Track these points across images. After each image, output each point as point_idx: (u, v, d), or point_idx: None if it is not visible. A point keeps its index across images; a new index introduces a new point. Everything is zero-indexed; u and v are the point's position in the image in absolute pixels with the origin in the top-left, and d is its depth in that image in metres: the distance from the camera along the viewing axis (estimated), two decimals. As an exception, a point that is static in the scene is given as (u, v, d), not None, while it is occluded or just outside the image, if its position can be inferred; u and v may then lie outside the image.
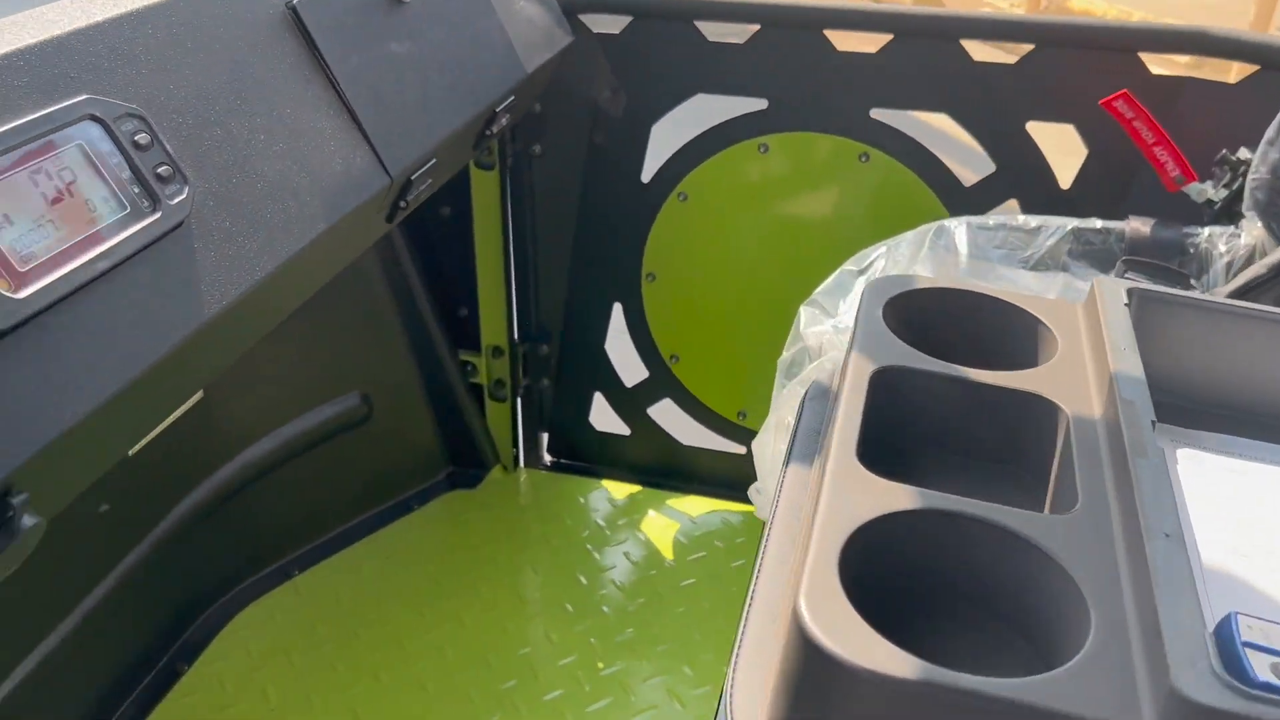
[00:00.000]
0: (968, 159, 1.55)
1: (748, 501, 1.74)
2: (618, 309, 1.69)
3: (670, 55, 1.48)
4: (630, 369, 1.74)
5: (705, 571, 1.60)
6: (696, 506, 1.74)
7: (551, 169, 1.60)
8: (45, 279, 0.64)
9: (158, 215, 0.73)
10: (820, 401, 0.77)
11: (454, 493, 1.77)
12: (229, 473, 1.44)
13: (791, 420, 1.18)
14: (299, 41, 0.93)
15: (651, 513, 1.74)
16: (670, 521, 1.72)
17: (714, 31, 1.48)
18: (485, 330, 1.71)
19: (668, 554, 1.65)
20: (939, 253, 1.28)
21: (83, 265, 0.66)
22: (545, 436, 1.84)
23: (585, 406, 1.79)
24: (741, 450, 1.72)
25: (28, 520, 0.61)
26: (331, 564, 1.60)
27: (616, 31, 1.50)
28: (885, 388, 0.67)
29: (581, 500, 1.77)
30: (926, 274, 1.23)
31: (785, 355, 1.27)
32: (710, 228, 1.58)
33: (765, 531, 0.65)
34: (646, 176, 1.58)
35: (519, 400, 1.79)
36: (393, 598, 1.54)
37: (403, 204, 1.06)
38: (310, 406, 1.56)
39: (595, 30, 1.51)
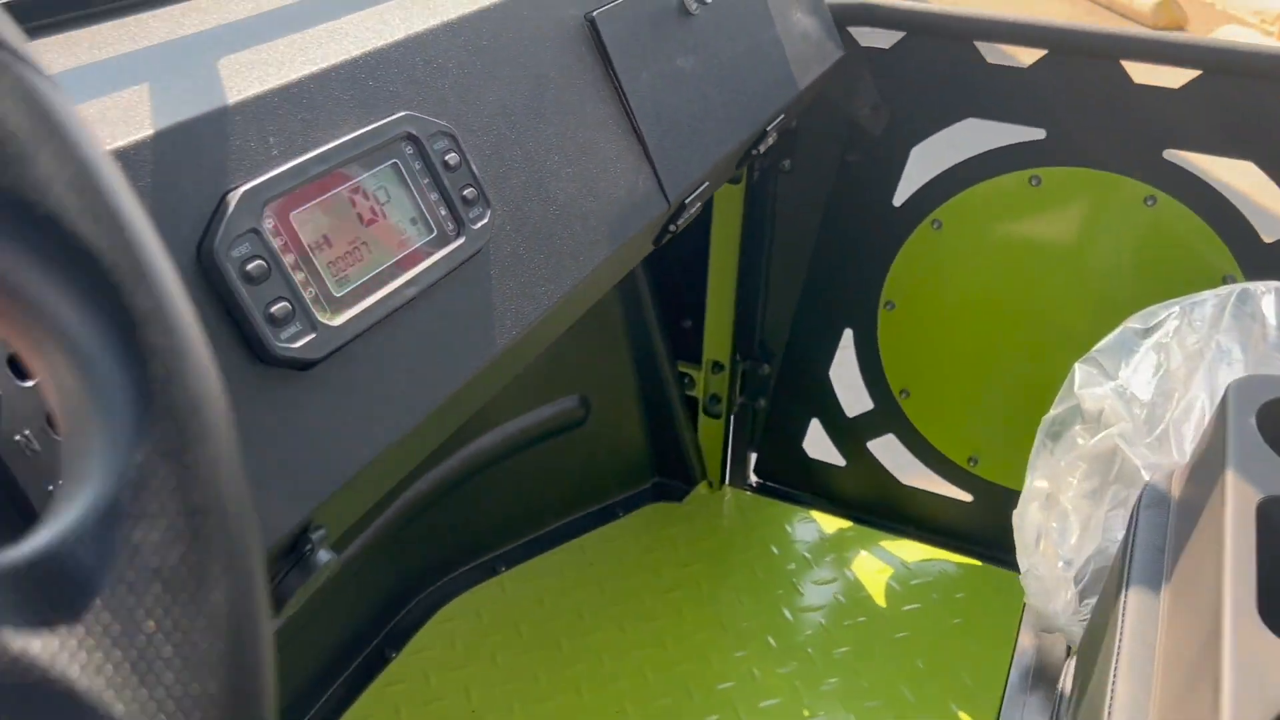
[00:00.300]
0: (1266, 213, 1.39)
1: (970, 553, 1.64)
2: (848, 335, 1.61)
3: (942, 75, 1.39)
4: (853, 398, 1.66)
5: (920, 625, 1.51)
6: (912, 552, 1.65)
7: (799, 185, 1.53)
8: (359, 305, 0.62)
9: (462, 240, 0.70)
10: (1159, 511, 0.67)
11: (659, 504, 1.73)
12: (454, 464, 1.45)
13: (1066, 498, 1.08)
14: (594, 56, 0.89)
15: (862, 552, 1.66)
16: (883, 565, 1.63)
17: (993, 53, 1.37)
18: (708, 344, 1.67)
19: (879, 599, 1.57)
20: (1244, 321, 1.14)
21: (393, 292, 0.64)
22: (754, 457, 1.78)
23: (800, 432, 1.71)
24: (968, 497, 1.61)
25: (323, 556, 0.59)
26: (536, 564, 1.59)
27: (886, 46, 1.42)
28: (1272, 523, 0.57)
29: (788, 528, 1.70)
30: (1232, 345, 1.10)
31: (1052, 413, 1.16)
32: (964, 260, 1.48)
33: (1112, 664, 0.57)
34: (899, 200, 1.49)
35: (732, 417, 1.74)
36: (595, 609, 1.51)
37: (672, 228, 1.01)
38: (534, 405, 1.55)
39: (863, 44, 1.42)
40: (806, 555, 1.65)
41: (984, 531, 1.59)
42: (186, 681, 0.22)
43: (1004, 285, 1.46)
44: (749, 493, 1.78)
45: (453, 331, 0.69)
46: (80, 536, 0.22)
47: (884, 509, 1.69)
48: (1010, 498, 1.16)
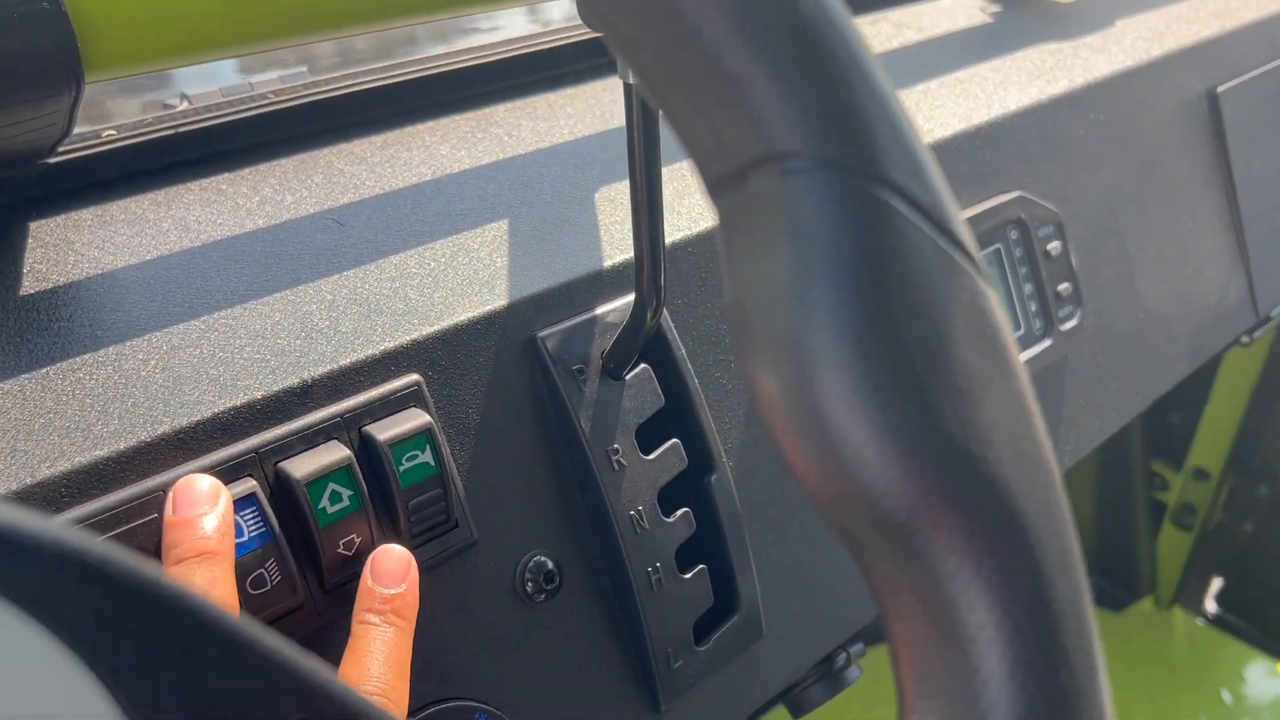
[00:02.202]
0: None
1: None
2: (1382, 475, 1.34)
3: None
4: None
5: None
6: None
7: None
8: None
9: (1048, 343, 0.62)
10: None
11: (1099, 610, 1.55)
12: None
13: None
14: (1210, 136, 0.77)
15: (1341, 731, 1.38)
16: (1367, 754, 1.35)
17: None
18: (1198, 447, 1.45)
19: (1356, 797, 1.30)
20: None
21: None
22: (1219, 583, 1.54)
23: (1289, 568, 1.46)
24: None
25: (854, 673, 0.55)
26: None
27: None
28: None
29: (1247, 675, 1.45)
30: None
31: None
32: None
33: None
34: None
35: (1204, 535, 1.51)
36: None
37: (1245, 339, 0.86)
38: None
39: None
40: (1266, 715, 1.40)
41: None
42: None
43: None
44: (1203, 622, 1.54)
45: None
46: None
47: (1380, 689, 1.40)
48: None
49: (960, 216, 0.20)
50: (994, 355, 0.19)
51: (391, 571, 0.36)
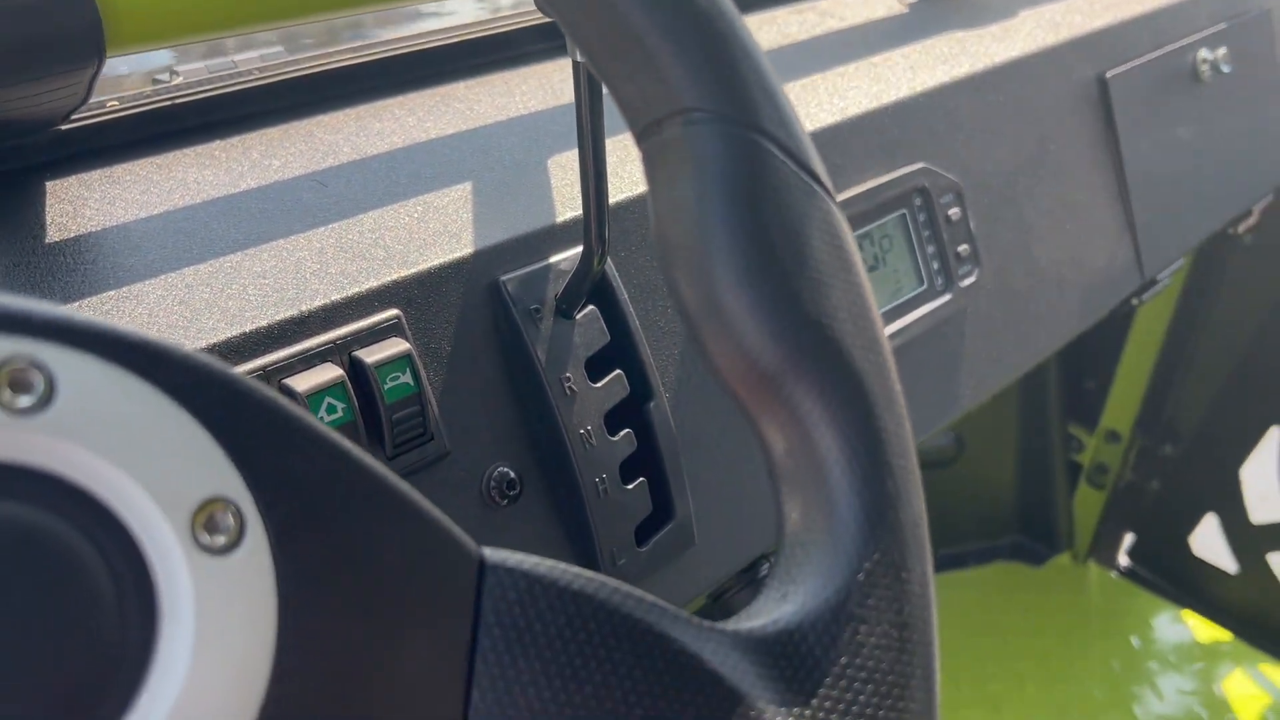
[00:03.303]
0: None
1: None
2: (1274, 434, 1.45)
3: None
4: (1262, 503, 1.49)
5: (1299, 772, 1.35)
6: (1299, 686, 1.47)
7: (1257, 262, 1.39)
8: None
9: (948, 297, 0.70)
10: None
11: (1013, 564, 1.66)
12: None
13: None
14: (1099, 117, 0.85)
15: (1238, 671, 1.50)
16: (1261, 691, 1.47)
17: None
18: (1110, 410, 1.56)
19: (1250, 729, 1.41)
20: None
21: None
22: (1129, 538, 1.65)
23: (1190, 524, 1.57)
24: (1386, 646, 1.41)
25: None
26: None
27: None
28: None
29: (1155, 623, 1.57)
30: None
31: None
32: None
33: None
34: (1376, 299, 1.32)
35: (1116, 493, 1.62)
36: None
37: (1135, 301, 0.95)
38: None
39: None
40: (1171, 658, 1.52)
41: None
42: None
43: None
44: (1116, 575, 1.66)
45: (919, 391, 0.69)
46: (814, 625, 0.25)
47: (1272, 630, 1.51)
48: None
49: (817, 156, 0.28)
50: (840, 256, 0.27)
51: None
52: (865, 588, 0.25)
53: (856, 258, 0.27)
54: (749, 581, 0.60)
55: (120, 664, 0.19)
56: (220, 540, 0.20)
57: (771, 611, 0.25)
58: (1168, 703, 1.44)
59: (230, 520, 0.20)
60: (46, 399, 0.19)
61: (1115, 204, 0.86)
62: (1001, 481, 1.64)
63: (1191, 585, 1.59)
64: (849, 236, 0.27)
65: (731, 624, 0.25)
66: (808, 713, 0.24)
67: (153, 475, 0.19)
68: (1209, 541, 1.56)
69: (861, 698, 0.25)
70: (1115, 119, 0.85)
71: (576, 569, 0.24)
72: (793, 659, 0.25)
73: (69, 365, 0.19)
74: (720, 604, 0.60)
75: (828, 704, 0.24)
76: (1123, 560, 1.67)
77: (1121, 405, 1.55)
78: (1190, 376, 1.50)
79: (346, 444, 0.22)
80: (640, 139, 0.27)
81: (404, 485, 0.22)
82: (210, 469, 0.20)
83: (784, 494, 0.27)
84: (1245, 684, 1.48)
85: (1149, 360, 1.50)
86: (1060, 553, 1.67)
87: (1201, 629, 1.56)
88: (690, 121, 0.25)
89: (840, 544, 0.25)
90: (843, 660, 0.25)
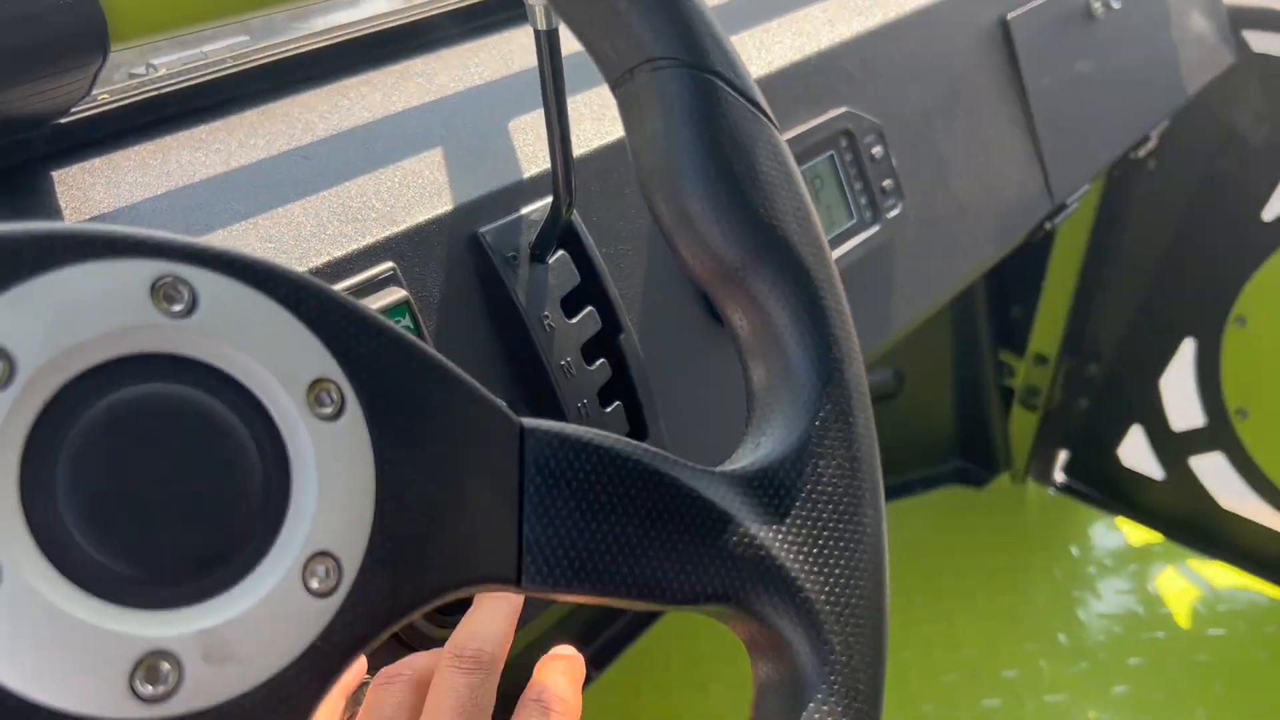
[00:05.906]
0: None
1: (1289, 589, 1.56)
2: (1188, 345, 1.56)
3: None
4: (1181, 411, 1.61)
5: (1223, 652, 1.46)
6: (1223, 577, 1.59)
7: (1161, 185, 1.49)
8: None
9: (876, 229, 0.77)
10: None
11: (957, 488, 1.75)
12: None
13: None
14: (1004, 57, 0.93)
15: (1168, 569, 1.61)
16: (1189, 584, 1.58)
17: None
18: (1036, 335, 1.66)
19: (1180, 619, 1.53)
20: None
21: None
22: (1064, 455, 1.76)
23: (1118, 437, 1.68)
24: (1294, 531, 1.53)
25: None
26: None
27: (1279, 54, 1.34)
28: None
29: (1091, 532, 1.68)
30: None
31: None
32: (1339, 287, 1.39)
33: None
34: (1270, 215, 1.42)
35: (1048, 413, 1.72)
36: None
37: (1049, 225, 1.04)
38: (851, 375, 1.61)
39: (1255, 49, 1.36)
40: (1108, 562, 1.63)
41: (1309, 570, 1.51)
42: (849, 576, 0.31)
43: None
44: (1053, 491, 1.76)
45: (856, 315, 0.76)
46: (783, 462, 0.31)
47: (1198, 529, 1.63)
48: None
49: (759, 91, 0.34)
50: (784, 171, 0.33)
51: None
52: (821, 431, 0.32)
53: (797, 173, 0.34)
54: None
55: (266, 504, 0.25)
56: (328, 410, 0.26)
57: (750, 455, 0.32)
58: (1107, 603, 1.55)
59: (334, 395, 0.26)
60: (190, 306, 0.24)
61: (1024, 136, 0.94)
62: (941, 411, 1.73)
63: (1123, 494, 1.70)
64: (790, 155, 0.33)
65: (720, 468, 0.32)
66: (783, 528, 0.31)
67: (275, 361, 0.25)
68: (1136, 452, 1.67)
69: (824, 514, 0.31)
70: (1018, 58, 0.93)
71: (596, 430, 0.30)
72: (769, 489, 0.31)
73: (206, 281, 0.25)
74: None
75: (799, 521, 0.31)
76: (1058, 476, 1.78)
77: (1047, 330, 1.65)
78: (1108, 298, 1.61)
79: (414, 339, 0.28)
80: (615, 87, 0.33)
81: (460, 370, 0.28)
82: (315, 356, 0.26)
83: (751, 365, 0.33)
84: (1176, 580, 1.59)
85: (1070, 286, 1.60)
86: (1000, 474, 1.77)
87: (1134, 533, 1.67)
88: (656, 68, 0.32)
89: (799, 399, 0.32)
90: (808, 487, 0.31)
